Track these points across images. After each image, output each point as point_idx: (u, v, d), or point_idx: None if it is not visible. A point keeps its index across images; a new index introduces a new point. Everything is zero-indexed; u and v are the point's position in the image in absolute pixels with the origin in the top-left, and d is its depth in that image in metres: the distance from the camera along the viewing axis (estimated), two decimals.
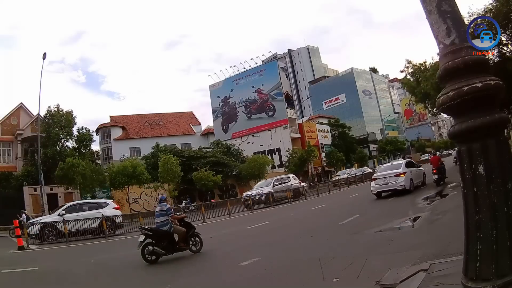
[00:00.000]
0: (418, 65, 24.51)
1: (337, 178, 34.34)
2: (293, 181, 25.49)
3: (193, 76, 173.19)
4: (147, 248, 7.46)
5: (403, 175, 14.97)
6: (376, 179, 15.65)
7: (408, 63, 25.18)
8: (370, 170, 37.26)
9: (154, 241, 7.53)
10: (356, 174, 34.83)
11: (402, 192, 14.53)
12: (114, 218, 15.65)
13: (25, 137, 32.83)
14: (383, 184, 15.19)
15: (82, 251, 11.66)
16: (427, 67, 23.16)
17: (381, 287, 4.05)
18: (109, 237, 14.22)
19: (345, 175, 34.47)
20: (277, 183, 23.91)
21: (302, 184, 27.29)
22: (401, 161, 18.46)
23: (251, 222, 13.95)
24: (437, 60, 18.66)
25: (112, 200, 18.42)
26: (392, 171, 15.31)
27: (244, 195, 22.71)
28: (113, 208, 16.41)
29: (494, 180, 2.22)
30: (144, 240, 7.51)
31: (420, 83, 22.92)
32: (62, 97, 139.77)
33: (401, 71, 27.26)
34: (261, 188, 23.57)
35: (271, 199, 21.38)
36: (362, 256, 5.67)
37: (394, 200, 13.67)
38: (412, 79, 25.00)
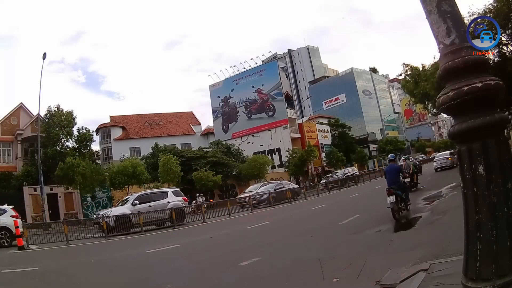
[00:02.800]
0: (415, 67, 24.69)
1: (247, 195, 22.77)
2: (172, 198, 18.05)
3: (193, 76, 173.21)
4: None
5: (450, 158, 25.82)
6: (436, 161, 27.76)
7: (406, 66, 25.47)
8: (294, 186, 27.19)
9: None
10: (268, 191, 22.63)
11: (450, 167, 24.33)
12: (10, 228, 13.32)
13: (25, 137, 32.83)
14: (440, 163, 26.62)
15: (82, 251, 11.67)
16: (426, 67, 23.25)
17: (381, 287, 4.05)
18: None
19: (254, 191, 23.50)
20: (138, 202, 16.86)
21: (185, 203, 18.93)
22: (448, 152, 29.60)
23: (251, 222, 13.96)
24: (437, 60, 18.70)
25: (12, 207, 15.10)
26: (444, 156, 27.42)
27: (99, 215, 16.56)
28: (11, 216, 13.92)
29: (494, 180, 2.22)
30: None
31: (419, 84, 23.00)
32: (62, 97, 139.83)
33: (399, 75, 27.63)
34: (118, 207, 17.38)
35: (129, 224, 15.62)
36: (362, 256, 5.67)
37: None
38: (410, 81, 25.08)
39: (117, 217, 15.43)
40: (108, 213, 15.94)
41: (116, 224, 15.28)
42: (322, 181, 33.37)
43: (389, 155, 11.45)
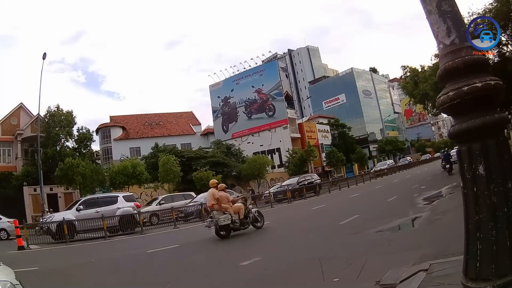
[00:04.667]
0: (414, 68, 24.73)
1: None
2: (123, 203, 16.55)
3: (193, 76, 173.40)
4: None
5: None
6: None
7: (404, 68, 25.55)
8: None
9: None
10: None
11: None
12: None
13: (25, 137, 32.85)
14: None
15: (82, 251, 11.67)
16: (425, 68, 23.26)
17: (381, 287, 4.05)
18: None
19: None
20: (83, 207, 15.61)
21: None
22: None
23: None
24: (435, 61, 18.75)
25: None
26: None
27: (44, 220, 15.81)
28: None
29: (494, 180, 2.22)
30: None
31: (418, 85, 23.01)
32: (62, 97, 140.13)
33: (400, 77, 27.66)
34: (61, 212, 16.69)
35: (73, 231, 14.42)
36: (362, 256, 5.67)
37: (394, 200, 13.69)
38: (410, 82, 25.07)
39: (60, 223, 14.16)
40: (51, 218, 14.90)
41: (58, 230, 14.05)
42: (271, 190, 26.47)
43: (446, 148, 25.33)
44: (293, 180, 27.33)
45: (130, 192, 20.53)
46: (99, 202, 16.21)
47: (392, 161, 53.85)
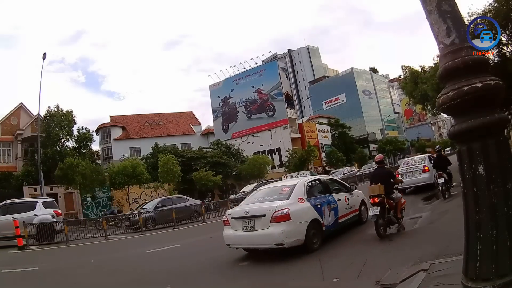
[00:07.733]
0: (414, 70, 24.74)
1: None
2: (41, 210, 14.87)
3: (193, 76, 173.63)
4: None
5: None
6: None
7: (405, 68, 25.57)
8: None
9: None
10: None
11: None
12: None
13: (25, 137, 32.83)
14: None
15: (82, 251, 11.67)
16: (425, 69, 23.24)
17: (381, 287, 4.05)
18: None
19: None
20: None
21: None
22: None
23: None
24: (437, 62, 18.73)
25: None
26: None
27: None
28: None
29: (494, 180, 2.22)
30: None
31: (418, 86, 23.00)
32: (62, 97, 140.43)
33: (399, 77, 27.69)
34: None
35: None
36: (362, 256, 5.67)
37: None
38: (409, 82, 25.06)
39: None
40: None
41: None
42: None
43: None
44: (151, 204, 18.63)
45: (51, 198, 18.25)
46: (16, 208, 14.76)
47: (351, 169, 36.53)
